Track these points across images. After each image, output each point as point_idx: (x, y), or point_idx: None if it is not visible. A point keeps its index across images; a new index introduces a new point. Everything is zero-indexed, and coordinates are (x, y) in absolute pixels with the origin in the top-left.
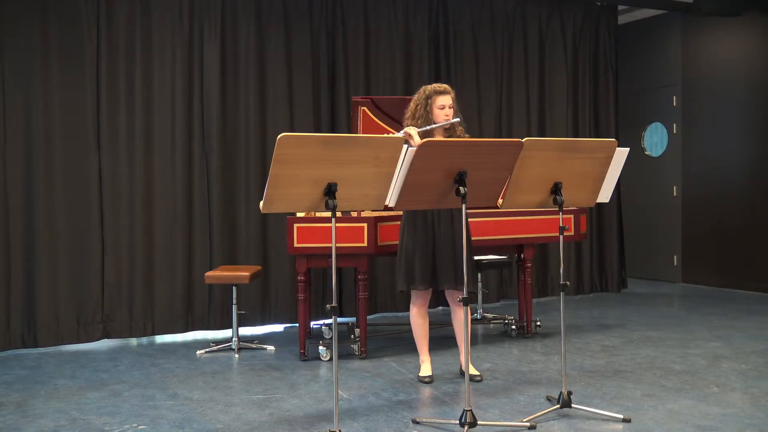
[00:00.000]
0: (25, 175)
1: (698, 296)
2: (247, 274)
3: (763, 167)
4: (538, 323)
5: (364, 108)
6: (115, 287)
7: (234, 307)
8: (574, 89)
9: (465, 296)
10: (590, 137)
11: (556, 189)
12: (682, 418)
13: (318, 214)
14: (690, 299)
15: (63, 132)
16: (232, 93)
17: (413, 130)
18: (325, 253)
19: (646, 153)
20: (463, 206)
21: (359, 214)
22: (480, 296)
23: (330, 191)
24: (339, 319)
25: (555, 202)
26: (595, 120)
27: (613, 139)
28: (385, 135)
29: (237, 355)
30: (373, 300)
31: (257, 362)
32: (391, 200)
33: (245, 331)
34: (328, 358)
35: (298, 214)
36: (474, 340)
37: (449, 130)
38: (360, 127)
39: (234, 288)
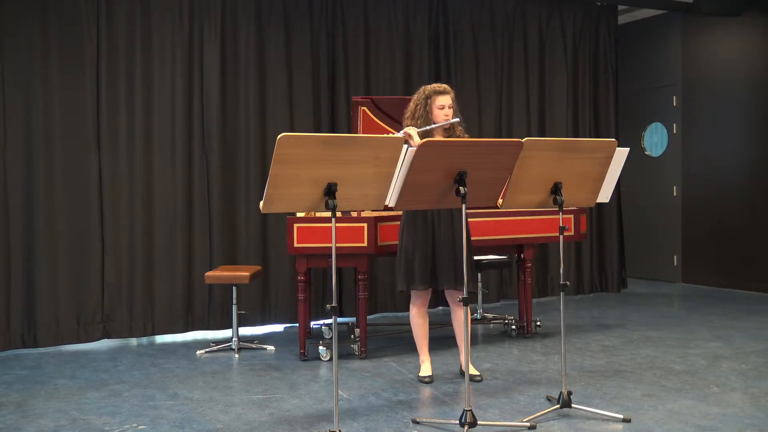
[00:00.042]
0: (25, 175)
1: (698, 296)
2: (247, 274)
3: (763, 167)
4: (538, 323)
5: (364, 108)
6: (115, 287)
7: (234, 307)
8: (574, 89)
9: (465, 296)
10: (590, 137)
11: (556, 189)
12: (682, 418)
13: (318, 214)
14: (690, 299)
15: (63, 132)
16: (232, 93)
17: (413, 130)
18: (325, 253)
19: (646, 153)
20: (463, 206)
21: (359, 214)
22: (480, 296)
23: (330, 191)
24: (339, 319)
25: (555, 202)
26: (595, 120)
27: (613, 139)
28: (385, 135)
29: (237, 355)
30: (373, 300)
31: (257, 362)
32: (391, 200)
33: (245, 331)
34: (328, 358)
35: (298, 214)
36: (474, 340)
37: (449, 130)
38: (360, 127)
39: (234, 288)
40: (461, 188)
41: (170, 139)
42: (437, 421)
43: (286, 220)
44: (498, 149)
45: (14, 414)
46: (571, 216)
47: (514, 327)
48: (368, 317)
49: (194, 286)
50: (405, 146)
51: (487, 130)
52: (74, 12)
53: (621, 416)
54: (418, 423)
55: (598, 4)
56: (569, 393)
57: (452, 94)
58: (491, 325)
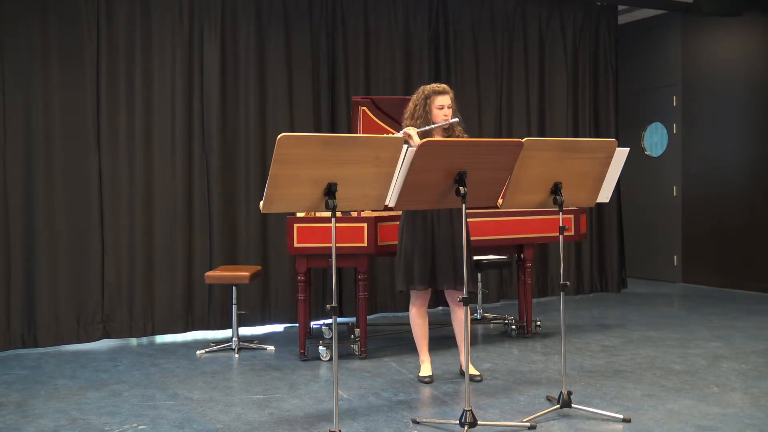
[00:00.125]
0: (25, 175)
1: (698, 296)
2: (247, 274)
3: (763, 167)
4: (538, 323)
5: (364, 108)
6: (115, 287)
7: (234, 307)
8: (574, 89)
9: (465, 296)
10: (590, 137)
11: (556, 189)
12: (682, 418)
13: (318, 214)
14: (690, 299)
15: (63, 132)
16: (232, 93)
17: (412, 131)
18: (325, 253)
19: (646, 153)
20: (463, 206)
21: (359, 214)
22: (480, 296)
23: (330, 191)
24: (339, 319)
25: (555, 202)
26: (595, 120)
27: (613, 139)
28: (385, 135)
29: (237, 355)
30: (373, 300)
31: (257, 362)
32: (391, 200)
33: (245, 331)
34: (328, 358)
35: (298, 214)
36: (474, 340)
37: (448, 130)
38: (360, 127)
39: (234, 288)
40: (461, 188)
41: (170, 139)
42: (437, 421)
43: (286, 220)
44: (498, 149)
45: (14, 414)
46: (571, 216)
47: (514, 327)
48: (368, 317)
49: (194, 286)
50: (405, 146)
51: (487, 130)
52: (74, 12)
53: (621, 416)
54: (418, 423)
55: (598, 4)
56: (569, 393)
57: (451, 94)
58: (491, 325)
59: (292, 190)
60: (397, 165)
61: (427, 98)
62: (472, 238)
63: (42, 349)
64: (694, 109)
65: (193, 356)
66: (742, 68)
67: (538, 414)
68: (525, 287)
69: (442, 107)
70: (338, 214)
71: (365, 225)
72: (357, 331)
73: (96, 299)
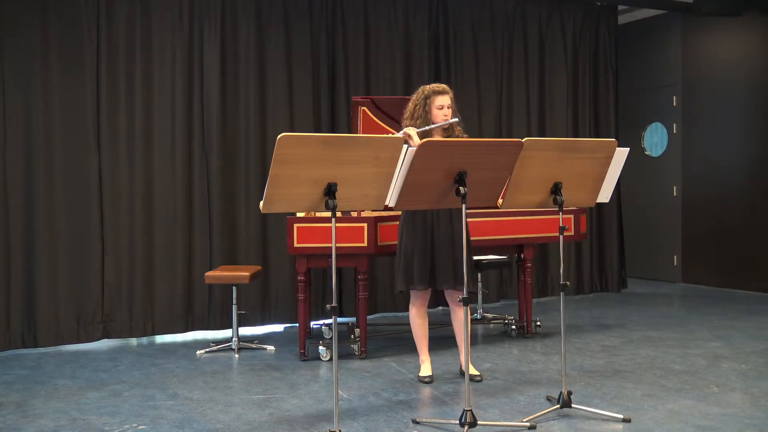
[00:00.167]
0: (25, 175)
1: (698, 296)
2: (247, 274)
3: (763, 167)
4: (538, 323)
5: (364, 108)
6: (115, 287)
7: (234, 307)
8: (574, 89)
9: (465, 296)
10: (590, 137)
11: (556, 189)
12: (682, 418)
13: (318, 214)
14: (690, 299)
15: (63, 132)
16: (232, 93)
17: (412, 131)
18: (325, 253)
19: (646, 153)
20: (463, 206)
21: (359, 214)
22: (480, 296)
23: (330, 191)
24: (339, 319)
25: (555, 202)
26: (595, 120)
27: (613, 139)
28: (385, 135)
29: (237, 355)
30: (373, 300)
31: (257, 362)
32: (391, 200)
33: (245, 331)
34: (328, 358)
35: (298, 214)
36: (474, 340)
37: (448, 130)
38: (360, 127)
39: (234, 288)
40: (461, 188)
41: (170, 139)
42: (437, 421)
43: (286, 220)
44: (498, 149)
45: (14, 414)
46: (571, 216)
47: (514, 327)
48: (368, 317)
49: (194, 286)
50: (405, 146)
51: (487, 130)
52: (74, 12)
53: (621, 416)
54: (418, 423)
55: (598, 4)
56: (569, 393)
57: (451, 94)
58: (491, 325)
59: (292, 190)
60: (397, 165)
61: (427, 98)
62: (472, 238)
63: (42, 349)
64: (694, 109)
65: (193, 356)
66: (742, 68)
67: (538, 414)
68: (525, 287)
69: (442, 107)
70: (338, 214)
71: (365, 225)
72: (357, 331)
73: (96, 299)
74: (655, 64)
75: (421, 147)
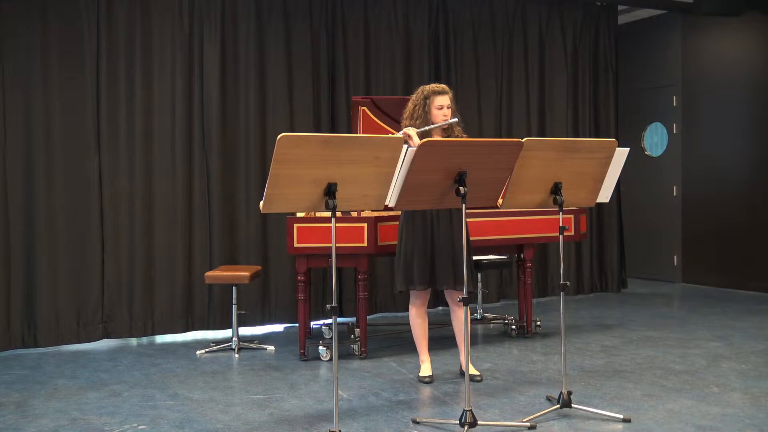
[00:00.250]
0: (25, 175)
1: (698, 296)
2: (247, 274)
3: (763, 167)
4: (538, 323)
5: (364, 108)
6: (115, 287)
7: (234, 307)
8: (574, 89)
9: (465, 296)
10: (590, 137)
11: (556, 189)
12: (682, 418)
13: (318, 214)
14: (690, 299)
15: (63, 132)
16: (232, 93)
17: (412, 131)
18: (325, 253)
19: (646, 153)
20: (463, 206)
21: (359, 214)
22: (480, 296)
23: (330, 191)
24: (339, 319)
25: (555, 202)
26: (595, 120)
27: (613, 139)
28: (385, 135)
29: (237, 355)
30: (373, 300)
31: (257, 362)
32: (391, 200)
33: (245, 331)
34: (328, 358)
35: (298, 214)
36: (474, 340)
37: (447, 130)
38: (360, 127)
39: (234, 288)
40: (461, 188)
41: (170, 140)
42: (437, 421)
43: (286, 220)
44: (498, 149)
45: (14, 414)
46: (571, 216)
47: (514, 327)
48: (368, 317)
49: (194, 286)
50: (405, 146)
51: (487, 130)
52: (74, 12)
53: (621, 416)
54: (418, 423)
55: (598, 4)
56: (569, 393)
57: (450, 95)
58: (491, 325)
59: (292, 190)
60: (397, 165)
61: (427, 98)
62: (472, 238)
63: (42, 349)
64: (694, 109)
65: (193, 356)
66: (742, 68)
67: (538, 414)
68: (525, 287)
69: (442, 107)
70: (338, 214)
71: (365, 225)
72: (357, 331)
73: (96, 299)
74: (655, 64)
75: (421, 147)
